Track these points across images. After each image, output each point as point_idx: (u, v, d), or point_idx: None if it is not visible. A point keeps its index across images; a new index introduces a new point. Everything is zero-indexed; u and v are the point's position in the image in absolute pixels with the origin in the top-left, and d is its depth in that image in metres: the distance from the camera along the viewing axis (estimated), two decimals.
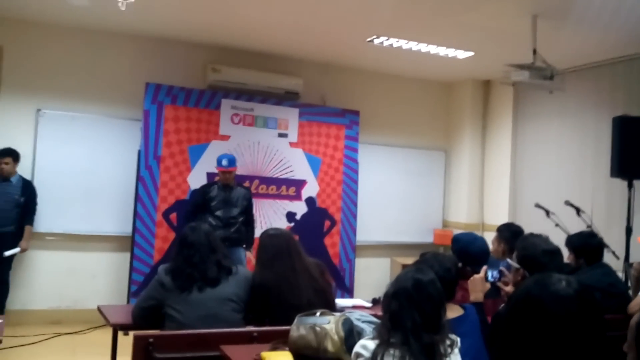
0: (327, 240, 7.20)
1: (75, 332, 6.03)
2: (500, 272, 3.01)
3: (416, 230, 8.05)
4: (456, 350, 2.21)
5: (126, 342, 3.02)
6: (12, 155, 5.99)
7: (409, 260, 7.35)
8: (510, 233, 4.18)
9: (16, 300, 6.18)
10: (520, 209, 7.41)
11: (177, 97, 6.52)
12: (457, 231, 7.90)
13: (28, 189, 6.06)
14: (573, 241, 4.27)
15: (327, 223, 7.23)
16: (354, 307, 4.08)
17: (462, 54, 6.75)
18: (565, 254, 4.39)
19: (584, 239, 4.24)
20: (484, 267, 3.05)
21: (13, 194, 5.95)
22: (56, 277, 6.39)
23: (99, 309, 3.61)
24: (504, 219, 7.50)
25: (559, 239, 5.77)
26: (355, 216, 7.36)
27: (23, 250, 6.01)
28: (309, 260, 3.48)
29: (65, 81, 6.47)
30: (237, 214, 5.91)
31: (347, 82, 7.74)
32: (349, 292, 7.24)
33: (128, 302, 6.23)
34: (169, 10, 5.76)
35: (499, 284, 2.99)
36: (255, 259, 3.48)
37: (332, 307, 3.34)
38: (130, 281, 6.30)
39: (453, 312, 2.56)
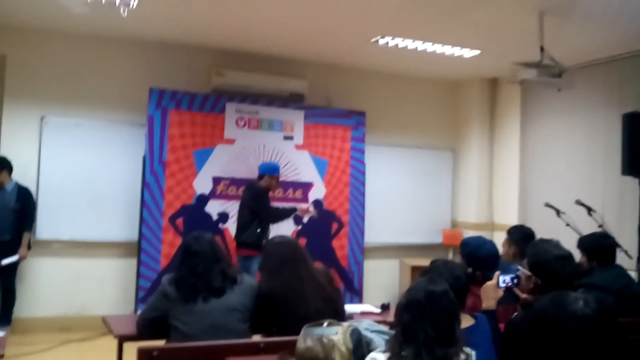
0: (335, 243, 7.15)
1: (83, 339, 6.00)
2: (518, 278, 2.91)
3: (425, 231, 7.98)
4: None
5: (133, 349, 2.97)
6: (6, 165, 5.94)
7: (418, 262, 7.30)
8: (520, 235, 4.10)
9: (23, 307, 6.16)
10: (530, 208, 7.33)
11: (182, 102, 6.48)
12: (466, 231, 7.86)
13: (24, 196, 5.99)
14: (585, 243, 4.19)
15: (335, 225, 7.17)
16: (363, 313, 4.02)
17: (468, 53, 6.67)
18: (576, 254, 4.33)
19: (597, 240, 4.16)
20: (497, 273, 2.96)
21: (8, 202, 5.90)
22: (63, 284, 6.37)
23: (103, 320, 3.56)
24: (513, 219, 7.45)
25: (570, 239, 5.73)
26: (363, 218, 7.30)
27: (22, 258, 5.95)
28: (316, 268, 3.42)
29: (68, 88, 6.45)
30: None
31: (353, 83, 7.68)
32: (358, 295, 7.18)
33: (136, 308, 6.21)
34: (171, 14, 5.72)
35: (516, 291, 2.90)
36: (261, 268, 3.43)
37: (340, 315, 3.28)
38: (138, 287, 6.26)
39: (464, 321, 2.48)
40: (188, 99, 6.51)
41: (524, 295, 2.85)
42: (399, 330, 2.16)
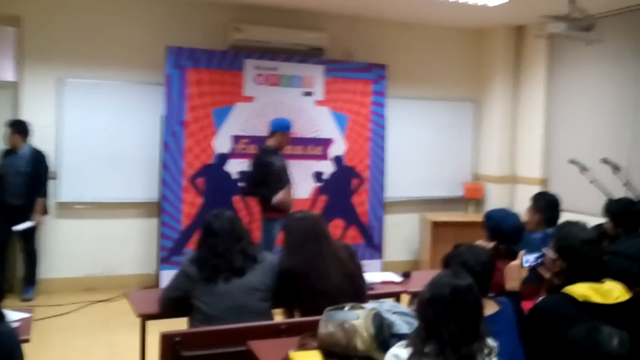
0: (355, 199, 7.11)
1: (108, 300, 6.10)
2: (542, 257, 2.85)
3: (446, 184, 7.90)
4: (494, 359, 2.11)
5: (156, 326, 3.01)
6: (14, 126, 5.91)
7: (440, 217, 7.26)
8: (545, 202, 4.02)
9: (50, 268, 6.28)
10: (554, 162, 7.19)
11: (199, 60, 6.37)
12: (488, 184, 7.78)
13: (36, 160, 5.95)
14: (612, 209, 4.12)
15: (355, 181, 7.12)
16: (384, 282, 4.01)
17: (493, 1, 6.43)
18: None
19: (623, 206, 4.08)
20: (521, 253, 2.91)
21: (18, 166, 5.89)
22: (87, 245, 6.44)
23: (126, 296, 3.59)
24: (537, 172, 7.36)
25: (594, 195, 5.64)
26: (383, 173, 7.23)
27: (38, 224, 5.97)
28: (337, 244, 3.40)
29: (85, 48, 6.36)
30: None
31: (373, 35, 7.48)
32: (378, 250, 7.19)
33: (158, 268, 6.29)
34: None
35: (540, 270, 2.85)
36: (283, 243, 3.41)
37: (362, 292, 3.27)
38: (160, 247, 6.32)
39: (488, 308, 2.45)
40: (206, 56, 6.40)
41: (548, 275, 2.80)
42: (421, 326, 2.13)
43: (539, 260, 2.87)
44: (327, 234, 3.36)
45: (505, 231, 3.44)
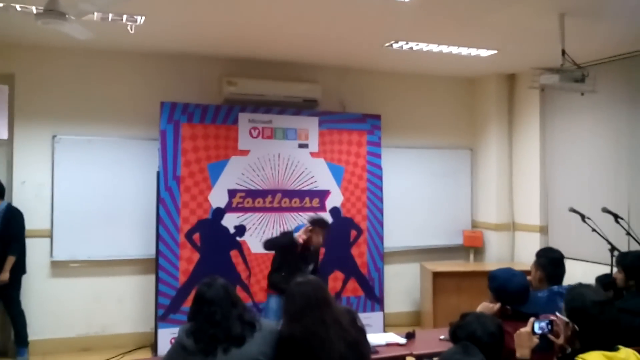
0: (355, 250, 7.03)
1: None
2: (551, 323, 2.77)
3: (445, 232, 7.84)
4: None
5: None
6: None
7: (439, 267, 7.19)
8: (547, 260, 3.93)
9: (44, 329, 6.15)
10: (552, 209, 7.16)
11: (194, 115, 6.36)
12: (487, 232, 7.72)
13: (9, 218, 5.82)
14: (625, 262, 4.07)
15: (354, 233, 7.05)
16: (388, 344, 3.91)
17: (484, 53, 6.49)
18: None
19: (637, 260, 4.02)
20: (531, 320, 2.82)
21: None
22: (83, 304, 6.33)
23: None
24: (535, 219, 7.31)
25: (596, 243, 5.57)
26: (381, 223, 7.16)
27: (1, 282, 5.73)
28: (339, 309, 3.29)
29: (79, 105, 6.37)
30: None
31: (366, 85, 7.52)
32: (379, 302, 7.07)
33: (155, 327, 6.14)
34: (179, 25, 5.57)
35: (551, 337, 2.76)
36: (283, 310, 3.31)
37: (366, 359, 3.17)
38: (157, 305, 6.20)
39: None
40: (200, 111, 6.39)
41: (559, 342, 2.71)
42: None
43: (550, 327, 2.79)
44: (329, 300, 3.25)
45: (511, 292, 3.35)
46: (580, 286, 2.73)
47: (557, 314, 2.74)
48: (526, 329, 2.80)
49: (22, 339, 5.91)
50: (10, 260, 5.79)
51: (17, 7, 4.76)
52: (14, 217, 5.88)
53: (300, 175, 6.80)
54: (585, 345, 2.55)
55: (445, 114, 7.99)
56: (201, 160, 6.38)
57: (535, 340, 2.77)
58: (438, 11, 5.07)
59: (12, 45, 6.10)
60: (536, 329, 2.79)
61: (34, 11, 4.63)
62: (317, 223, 5.26)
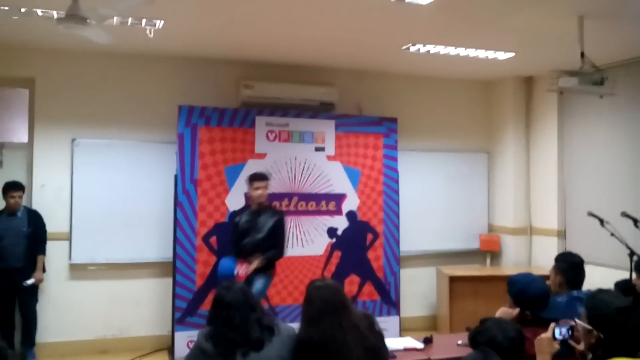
0: (371, 254, 7.01)
1: None
2: (572, 328, 2.75)
3: (461, 236, 7.81)
4: None
5: None
6: (24, 189, 5.95)
7: (456, 271, 7.14)
8: (567, 264, 3.90)
9: (62, 331, 6.20)
10: (570, 213, 7.10)
11: (211, 118, 6.38)
12: (504, 236, 7.66)
13: (34, 219, 5.97)
14: None
15: (370, 236, 7.03)
16: (406, 349, 3.89)
17: (502, 55, 6.46)
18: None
19: None
20: (552, 325, 2.80)
21: (20, 227, 5.88)
22: (101, 307, 6.36)
23: None
24: (553, 223, 7.25)
25: (615, 248, 5.51)
26: (397, 227, 7.14)
27: (38, 282, 5.92)
28: (357, 314, 3.28)
29: (98, 108, 6.42)
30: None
31: (383, 88, 7.51)
32: (395, 306, 7.05)
33: (173, 329, 6.17)
34: (197, 30, 5.61)
35: (571, 343, 2.73)
36: (302, 313, 3.31)
37: None
38: (174, 308, 6.22)
39: None
40: (217, 114, 6.42)
41: (581, 348, 2.69)
42: None
43: (571, 333, 2.76)
44: (347, 304, 3.24)
45: (530, 297, 3.32)
46: (601, 292, 2.70)
47: (578, 321, 2.71)
48: (547, 335, 2.77)
49: (32, 341, 5.95)
50: (41, 259, 5.95)
51: (39, 12, 4.82)
52: (41, 219, 6.03)
53: (317, 179, 6.80)
54: (608, 352, 2.51)
55: (462, 117, 7.96)
56: (218, 163, 6.40)
57: (556, 346, 2.75)
58: (455, 14, 5.06)
59: (32, 49, 6.17)
60: (557, 335, 2.77)
61: (55, 16, 4.67)
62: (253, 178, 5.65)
